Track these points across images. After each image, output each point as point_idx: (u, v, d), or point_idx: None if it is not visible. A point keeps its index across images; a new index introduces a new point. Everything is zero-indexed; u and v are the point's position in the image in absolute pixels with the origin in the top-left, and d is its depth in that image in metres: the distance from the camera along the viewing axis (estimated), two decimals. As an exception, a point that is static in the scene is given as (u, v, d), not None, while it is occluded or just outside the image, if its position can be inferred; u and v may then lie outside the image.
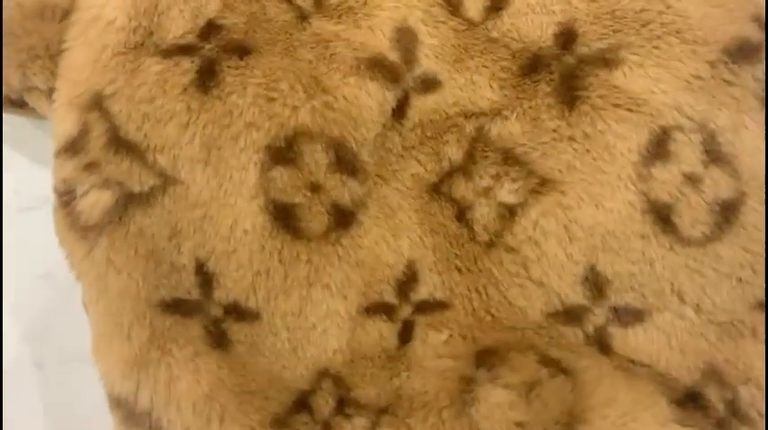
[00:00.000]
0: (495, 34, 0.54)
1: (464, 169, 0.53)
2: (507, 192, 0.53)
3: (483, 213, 0.53)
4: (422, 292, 0.53)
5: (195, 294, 0.52)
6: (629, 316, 0.52)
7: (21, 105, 0.58)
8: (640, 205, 0.52)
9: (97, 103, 0.52)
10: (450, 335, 0.52)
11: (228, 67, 0.53)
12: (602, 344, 0.52)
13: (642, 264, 0.52)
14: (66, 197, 0.52)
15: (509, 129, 0.53)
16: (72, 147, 0.52)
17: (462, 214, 0.53)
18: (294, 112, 0.52)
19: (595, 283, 0.52)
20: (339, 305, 0.52)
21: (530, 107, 0.53)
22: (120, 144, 0.52)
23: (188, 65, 0.53)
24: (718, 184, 0.52)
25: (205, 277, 0.52)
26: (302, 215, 0.52)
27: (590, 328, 0.52)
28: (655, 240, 0.52)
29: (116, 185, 0.52)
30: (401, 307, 0.53)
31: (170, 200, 0.52)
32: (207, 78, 0.52)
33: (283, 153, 0.52)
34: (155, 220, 0.52)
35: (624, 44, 0.53)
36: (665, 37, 0.53)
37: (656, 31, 0.53)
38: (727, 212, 0.52)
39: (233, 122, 0.52)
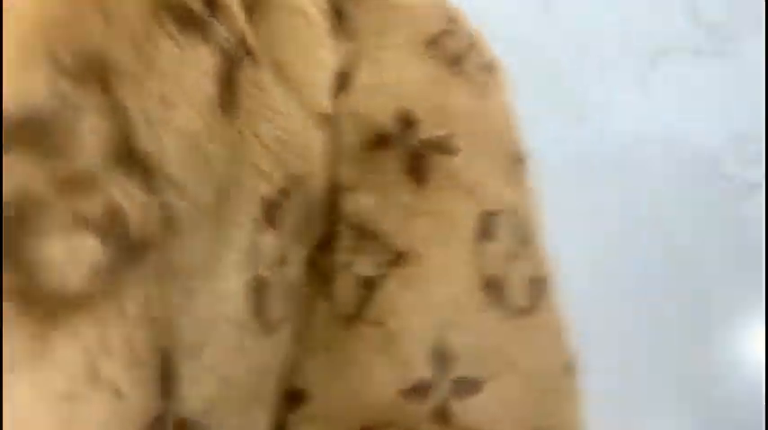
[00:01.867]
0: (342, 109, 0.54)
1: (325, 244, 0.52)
2: (365, 266, 0.53)
3: (344, 286, 0.52)
4: None
5: None
6: (469, 385, 0.54)
7: None
8: (478, 281, 0.56)
9: None
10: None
11: None
12: (444, 416, 0.53)
13: (481, 336, 0.55)
14: None
15: (363, 203, 0.53)
16: None
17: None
18: None
19: (443, 356, 0.54)
20: None
21: (381, 182, 0.54)
22: None
23: None
24: (529, 262, 0.58)
25: None
26: None
27: (433, 402, 0.53)
28: (491, 313, 0.56)
29: None
30: None
31: None
32: None
33: None
34: None
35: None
36: None
37: None
38: (539, 285, 0.59)
39: None
